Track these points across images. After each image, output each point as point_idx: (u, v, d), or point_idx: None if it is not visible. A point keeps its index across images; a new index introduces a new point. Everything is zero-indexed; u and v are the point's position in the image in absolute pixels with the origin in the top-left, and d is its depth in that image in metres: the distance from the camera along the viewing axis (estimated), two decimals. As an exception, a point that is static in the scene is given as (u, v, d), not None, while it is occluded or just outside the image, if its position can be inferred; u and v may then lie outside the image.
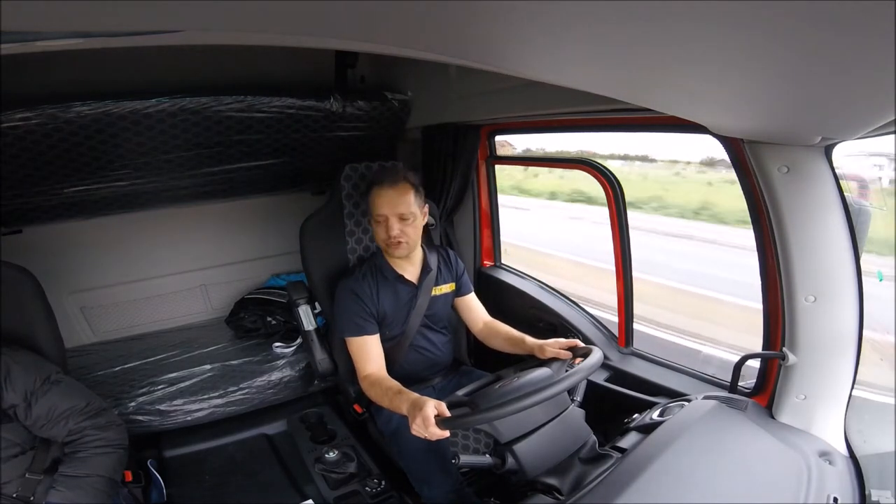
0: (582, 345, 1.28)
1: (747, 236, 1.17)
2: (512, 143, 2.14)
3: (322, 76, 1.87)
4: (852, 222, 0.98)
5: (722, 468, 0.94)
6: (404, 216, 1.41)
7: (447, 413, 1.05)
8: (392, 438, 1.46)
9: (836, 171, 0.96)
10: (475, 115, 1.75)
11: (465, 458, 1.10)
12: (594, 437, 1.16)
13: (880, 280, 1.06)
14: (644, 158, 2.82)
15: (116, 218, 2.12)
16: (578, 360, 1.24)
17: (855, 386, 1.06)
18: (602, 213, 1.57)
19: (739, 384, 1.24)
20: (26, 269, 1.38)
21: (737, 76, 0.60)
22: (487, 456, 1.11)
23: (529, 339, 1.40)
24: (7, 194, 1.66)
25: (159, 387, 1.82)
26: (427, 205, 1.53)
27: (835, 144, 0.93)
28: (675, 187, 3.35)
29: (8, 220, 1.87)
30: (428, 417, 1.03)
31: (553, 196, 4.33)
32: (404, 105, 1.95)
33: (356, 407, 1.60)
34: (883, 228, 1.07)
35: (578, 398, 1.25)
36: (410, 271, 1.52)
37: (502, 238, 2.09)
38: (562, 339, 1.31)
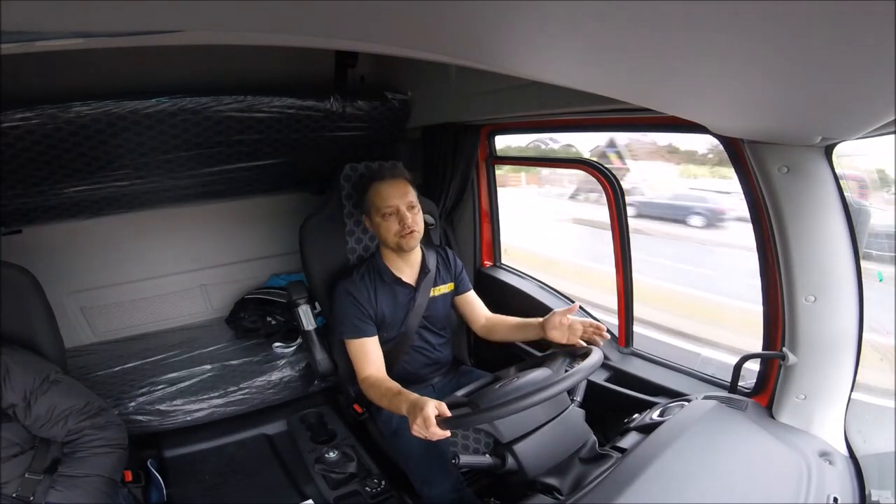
0: (589, 322, 1.29)
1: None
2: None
3: (322, 76, 1.87)
4: (852, 222, 0.98)
5: (722, 468, 0.94)
6: (412, 204, 1.43)
7: (448, 413, 1.05)
8: (392, 438, 1.46)
9: (836, 171, 0.96)
10: (475, 115, 1.75)
11: (465, 458, 1.09)
12: (594, 437, 1.16)
13: (880, 280, 1.06)
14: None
15: (116, 218, 2.12)
16: (578, 360, 1.24)
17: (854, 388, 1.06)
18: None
19: (739, 384, 1.24)
20: (26, 269, 1.37)
21: (737, 76, 0.60)
22: (487, 456, 1.11)
23: (538, 319, 1.40)
24: (7, 194, 1.66)
25: (159, 387, 1.82)
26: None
27: (835, 144, 0.93)
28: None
29: (8, 220, 1.87)
30: (429, 417, 1.03)
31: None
32: (404, 105, 1.95)
33: (356, 407, 1.60)
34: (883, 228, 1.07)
35: (578, 398, 1.25)
36: (408, 273, 1.51)
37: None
38: (575, 318, 1.31)
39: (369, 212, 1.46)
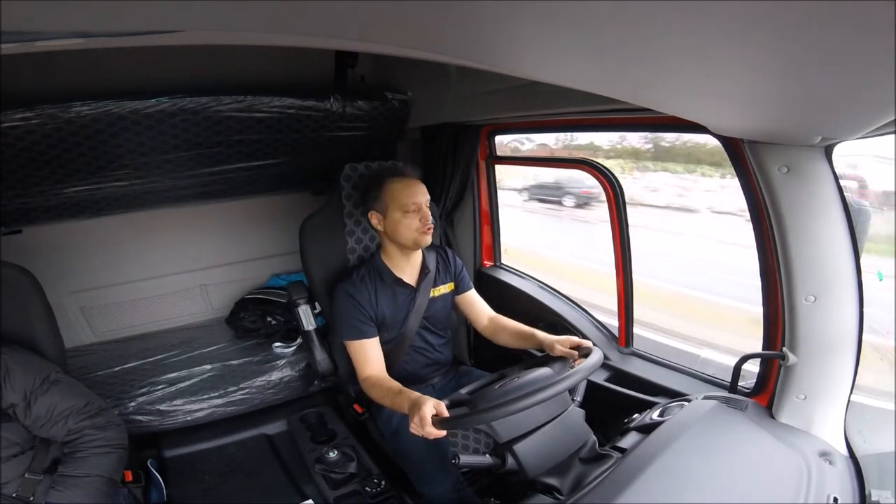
0: (587, 344, 1.28)
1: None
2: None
3: (322, 76, 1.87)
4: (852, 222, 0.98)
5: (722, 468, 0.94)
6: (428, 203, 1.46)
7: (445, 413, 1.05)
8: (392, 438, 1.46)
9: (836, 171, 0.96)
10: (475, 115, 1.75)
11: (465, 458, 1.09)
12: (594, 437, 1.16)
13: (880, 280, 1.06)
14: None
15: (116, 218, 2.12)
16: (579, 360, 1.24)
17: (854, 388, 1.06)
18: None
19: (739, 384, 1.24)
20: (26, 269, 1.37)
21: (737, 76, 0.60)
22: (487, 456, 1.10)
23: (540, 333, 1.40)
24: (7, 194, 1.66)
25: (159, 387, 1.82)
26: None
27: (835, 144, 0.93)
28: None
29: (8, 220, 1.87)
30: (425, 417, 1.03)
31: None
32: (404, 105, 1.95)
33: (356, 407, 1.60)
34: (883, 228, 1.07)
35: (578, 398, 1.25)
36: (409, 273, 1.51)
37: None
38: (574, 338, 1.30)
39: (385, 209, 1.43)
